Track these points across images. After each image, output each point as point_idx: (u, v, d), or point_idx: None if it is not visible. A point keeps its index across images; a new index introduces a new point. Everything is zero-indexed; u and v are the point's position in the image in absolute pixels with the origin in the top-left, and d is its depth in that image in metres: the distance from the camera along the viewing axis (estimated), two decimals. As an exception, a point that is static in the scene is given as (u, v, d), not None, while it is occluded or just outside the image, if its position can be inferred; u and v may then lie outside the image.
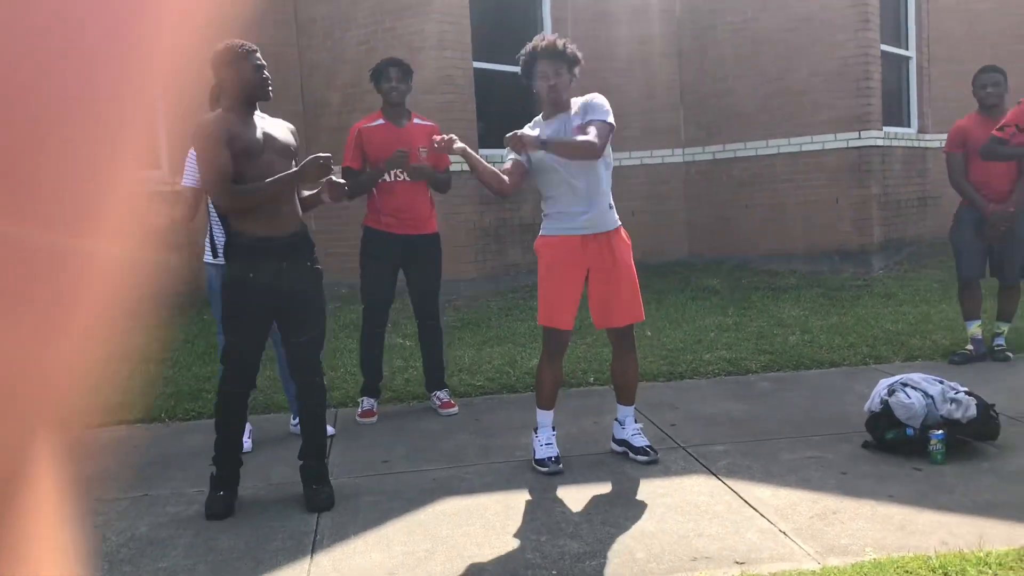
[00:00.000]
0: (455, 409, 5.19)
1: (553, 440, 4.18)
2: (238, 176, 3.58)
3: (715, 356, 6.06)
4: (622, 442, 4.25)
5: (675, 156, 10.38)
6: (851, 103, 9.26)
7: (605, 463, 4.16)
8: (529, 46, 4.02)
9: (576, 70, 4.05)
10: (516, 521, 3.48)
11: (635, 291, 4.12)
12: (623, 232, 4.15)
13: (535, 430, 4.22)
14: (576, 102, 4.07)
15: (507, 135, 3.83)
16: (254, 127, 3.67)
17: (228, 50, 3.58)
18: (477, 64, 9.11)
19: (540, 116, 4.17)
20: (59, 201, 0.47)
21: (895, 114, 10.44)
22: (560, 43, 3.99)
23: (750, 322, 7.06)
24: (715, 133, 10.21)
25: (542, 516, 3.53)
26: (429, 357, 5.28)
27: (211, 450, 4.68)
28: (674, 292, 8.40)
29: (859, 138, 9.23)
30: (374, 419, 5.12)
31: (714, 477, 3.88)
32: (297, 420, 5.05)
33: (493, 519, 3.51)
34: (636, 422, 4.29)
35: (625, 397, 4.28)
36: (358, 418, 5.12)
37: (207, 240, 4.78)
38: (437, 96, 8.46)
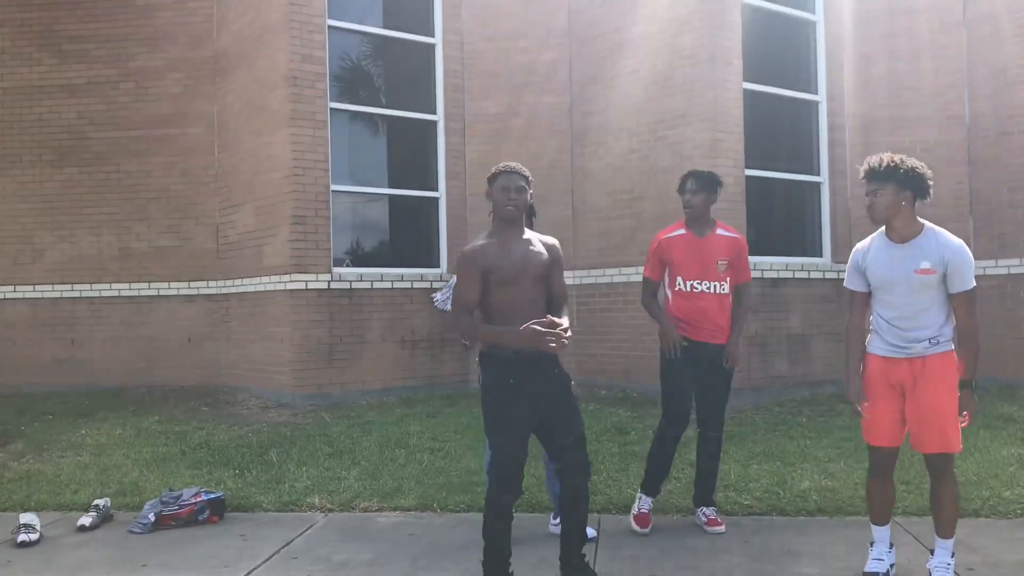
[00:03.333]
0: (722, 528, 4.97)
1: (884, 556, 4.12)
2: (491, 301, 3.82)
3: (1016, 494, 5.44)
4: (929, 572, 4.01)
5: (962, 269, 9.65)
6: None
7: (895, 605, 3.82)
8: (864, 164, 4.00)
9: (914, 192, 3.94)
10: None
11: (941, 417, 3.91)
12: (949, 356, 3.97)
13: (871, 544, 4.21)
14: (932, 235, 3.98)
15: None
16: (514, 252, 3.84)
17: (492, 173, 3.91)
18: (749, 172, 9.04)
19: (882, 232, 4.09)
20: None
21: None
22: (886, 162, 3.92)
23: (1057, 457, 6.31)
24: (1011, 245, 9.42)
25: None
26: (703, 470, 5.13)
27: (479, 544, 4.81)
28: (962, 417, 7.70)
29: None
30: (647, 529, 4.98)
31: (1026, 637, 3.45)
32: (558, 520, 5.06)
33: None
34: (951, 556, 4.00)
35: (937, 528, 4.04)
36: (634, 524, 4.99)
37: None
38: (707, 203, 8.43)
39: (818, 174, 9.91)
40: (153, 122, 10.20)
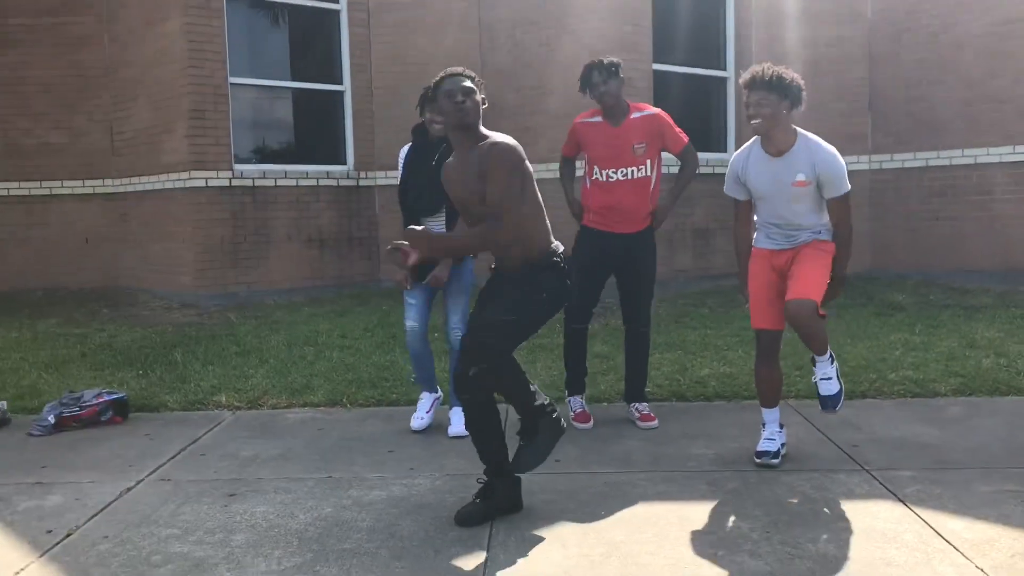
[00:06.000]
0: (655, 423, 4.95)
1: (775, 436, 4.32)
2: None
3: (900, 376, 5.76)
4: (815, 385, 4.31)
5: (860, 163, 9.94)
6: (1062, 112, 8.59)
7: (783, 481, 4.03)
8: (747, 74, 4.02)
9: (791, 102, 3.99)
10: (690, 533, 3.43)
11: (808, 279, 4.01)
12: (826, 242, 4.14)
13: (763, 425, 4.37)
14: (804, 144, 4.04)
15: None
16: (457, 164, 3.64)
17: (434, 82, 3.68)
18: (657, 66, 9.03)
19: (757, 142, 4.15)
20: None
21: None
22: (770, 73, 3.95)
23: (939, 342, 6.68)
24: (905, 141, 9.71)
25: (718, 530, 3.46)
26: (631, 367, 5.12)
27: (389, 436, 4.90)
28: (855, 306, 8.05)
29: (1069, 149, 8.55)
30: (589, 424, 5.00)
31: (901, 504, 3.69)
32: (450, 412, 5.05)
33: (667, 528, 3.47)
34: (832, 362, 4.26)
35: (813, 352, 4.20)
36: (575, 424, 4.98)
37: None
38: (615, 98, 8.42)
39: (725, 69, 9.96)
40: (37, 10, 9.57)
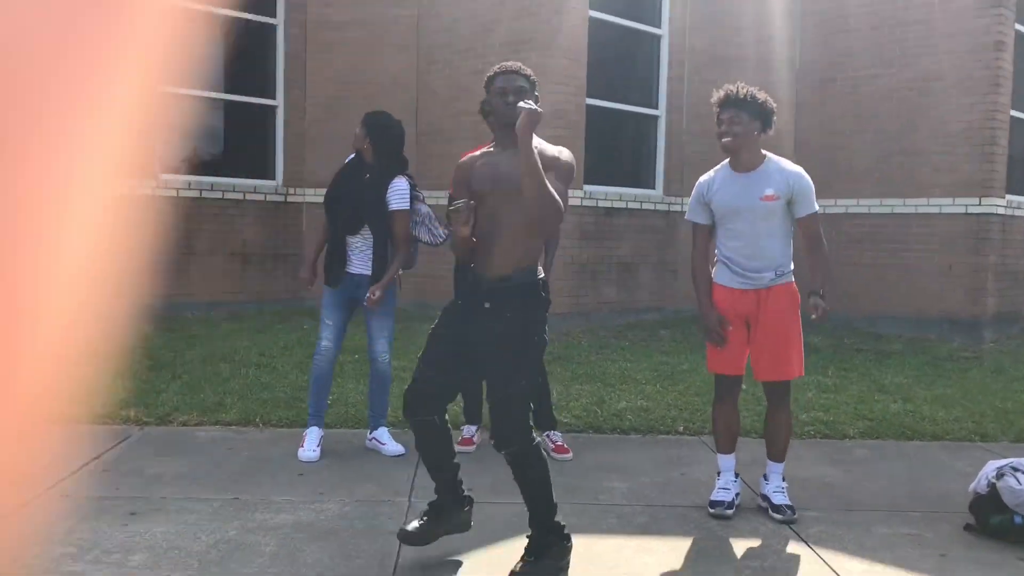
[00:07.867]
0: (570, 455, 4.95)
1: (730, 485, 4.16)
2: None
3: (811, 417, 5.89)
4: (764, 497, 4.21)
5: (783, 207, 10.18)
6: (973, 168, 8.97)
7: (691, 518, 4.07)
8: (719, 92, 4.03)
9: (763, 124, 4.01)
10: (598, 569, 3.43)
11: (785, 346, 4.08)
12: (792, 287, 4.13)
13: (718, 473, 4.24)
14: (775, 164, 4.05)
15: None
16: (498, 165, 3.36)
17: (488, 75, 3.40)
18: (590, 101, 9.15)
19: (725, 164, 4.14)
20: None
21: (1020, 182, 10.04)
22: (744, 92, 3.98)
23: (850, 385, 6.86)
24: (827, 187, 9.95)
25: (624, 565, 3.47)
26: (538, 396, 5.06)
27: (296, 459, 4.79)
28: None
29: (979, 204, 8.92)
30: (471, 448, 5.03)
31: (804, 544, 3.76)
32: (373, 435, 5.03)
33: (575, 563, 3.47)
34: (783, 480, 4.21)
35: (773, 453, 4.24)
36: (457, 446, 5.02)
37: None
38: (548, 130, 8.43)
39: (656, 107, 10.15)
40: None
